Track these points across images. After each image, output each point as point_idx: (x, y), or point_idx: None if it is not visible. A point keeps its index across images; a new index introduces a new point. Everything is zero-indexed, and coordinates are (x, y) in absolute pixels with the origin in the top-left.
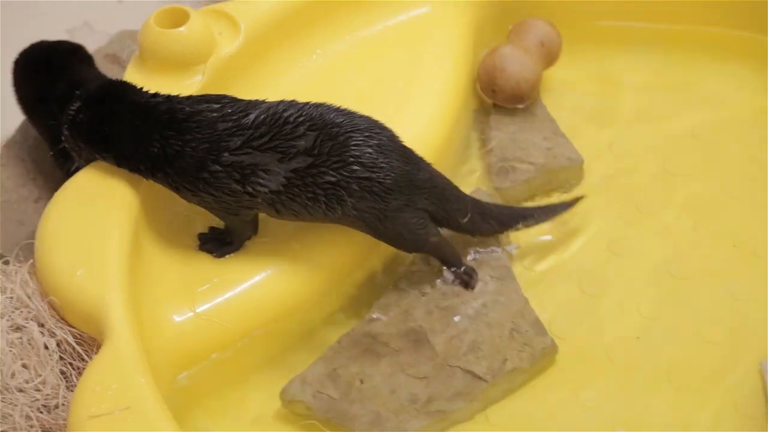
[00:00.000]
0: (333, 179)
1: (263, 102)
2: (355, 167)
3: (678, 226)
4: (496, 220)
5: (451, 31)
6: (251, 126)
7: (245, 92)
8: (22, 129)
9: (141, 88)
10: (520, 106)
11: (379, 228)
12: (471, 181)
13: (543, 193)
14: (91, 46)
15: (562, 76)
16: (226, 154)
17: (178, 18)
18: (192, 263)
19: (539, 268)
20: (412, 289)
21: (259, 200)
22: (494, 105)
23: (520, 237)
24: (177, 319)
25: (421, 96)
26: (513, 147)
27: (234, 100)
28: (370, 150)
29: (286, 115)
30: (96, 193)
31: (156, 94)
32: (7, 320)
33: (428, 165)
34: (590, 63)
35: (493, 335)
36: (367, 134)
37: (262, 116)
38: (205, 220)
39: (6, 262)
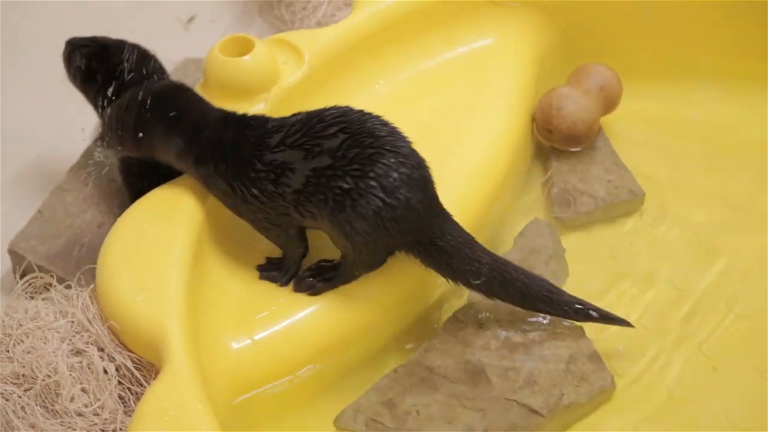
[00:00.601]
0: (345, 186)
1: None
2: (373, 183)
3: (742, 262)
4: (519, 293)
5: (514, 63)
6: (290, 124)
7: None
8: (86, 154)
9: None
10: (576, 149)
11: (362, 252)
12: (531, 210)
13: (605, 221)
14: None
15: (623, 110)
16: (267, 153)
17: (243, 47)
18: (251, 290)
19: (595, 302)
20: (470, 321)
21: (287, 202)
22: (551, 147)
23: (578, 271)
24: (235, 345)
25: (482, 126)
26: (573, 178)
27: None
28: (396, 175)
29: (325, 114)
30: (157, 220)
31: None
32: (68, 344)
33: (447, 221)
34: (652, 97)
35: (549, 369)
36: (401, 160)
37: (304, 115)
38: (265, 246)
39: (68, 287)
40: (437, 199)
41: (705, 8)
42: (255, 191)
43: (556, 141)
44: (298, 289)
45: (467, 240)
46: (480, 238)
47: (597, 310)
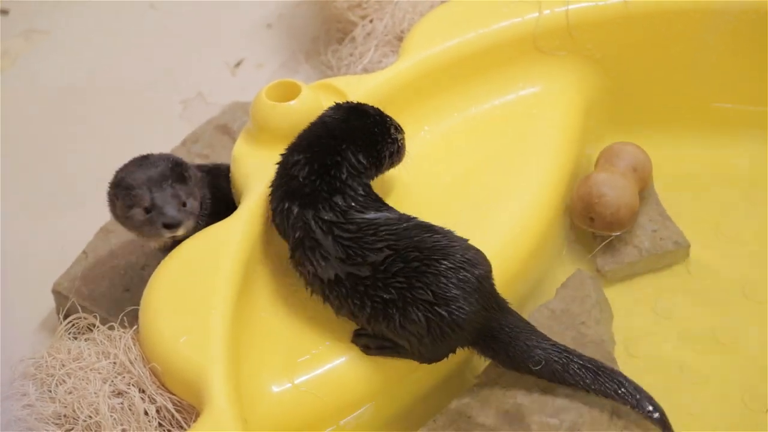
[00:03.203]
0: (386, 296)
1: (407, 217)
2: (421, 292)
3: None
4: (590, 372)
5: (561, 111)
6: (360, 225)
7: None
8: None
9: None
10: (616, 234)
11: (421, 351)
12: (574, 262)
13: (650, 271)
14: (202, 116)
15: (669, 158)
16: (322, 226)
17: (290, 92)
18: (293, 333)
19: (639, 353)
20: (509, 370)
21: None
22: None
23: (622, 322)
24: (275, 389)
25: (528, 174)
26: None
27: (390, 211)
28: (452, 286)
29: (382, 227)
30: (201, 263)
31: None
32: (110, 385)
33: (505, 312)
34: (697, 145)
35: (593, 416)
36: (452, 265)
37: (371, 218)
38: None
39: (111, 328)
40: (495, 294)
41: (752, 61)
42: (299, 234)
43: (599, 227)
44: (354, 341)
45: (524, 328)
46: (522, 287)
47: (662, 415)
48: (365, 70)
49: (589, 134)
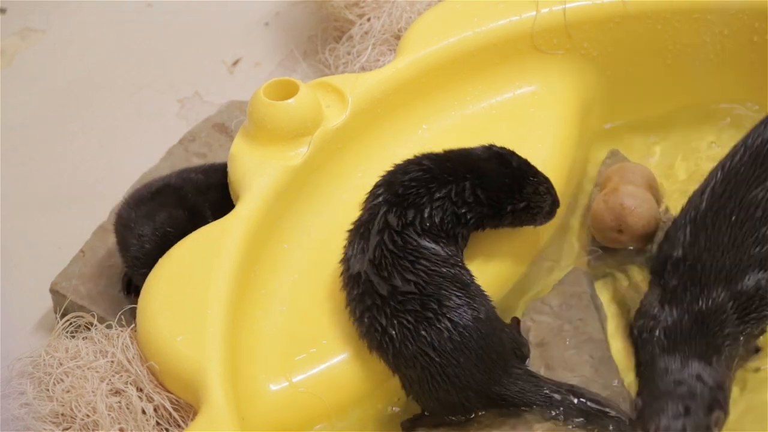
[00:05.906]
0: (390, 330)
1: (455, 261)
2: (425, 341)
3: None
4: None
5: (558, 110)
6: (406, 245)
7: (350, 165)
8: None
9: None
10: (637, 247)
11: (417, 398)
12: (571, 259)
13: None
14: (200, 115)
15: (668, 159)
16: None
17: (288, 90)
18: (290, 331)
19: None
20: None
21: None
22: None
23: (616, 319)
24: (273, 388)
25: None
26: None
27: (444, 246)
28: (452, 347)
29: (422, 261)
30: (198, 261)
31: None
32: (107, 384)
33: (513, 377)
34: (697, 146)
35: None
36: (465, 331)
37: (421, 245)
38: (308, 286)
39: (109, 326)
40: (501, 363)
41: (751, 60)
42: None
43: (626, 240)
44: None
45: (534, 392)
46: (520, 285)
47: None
48: (363, 69)
49: (586, 133)
